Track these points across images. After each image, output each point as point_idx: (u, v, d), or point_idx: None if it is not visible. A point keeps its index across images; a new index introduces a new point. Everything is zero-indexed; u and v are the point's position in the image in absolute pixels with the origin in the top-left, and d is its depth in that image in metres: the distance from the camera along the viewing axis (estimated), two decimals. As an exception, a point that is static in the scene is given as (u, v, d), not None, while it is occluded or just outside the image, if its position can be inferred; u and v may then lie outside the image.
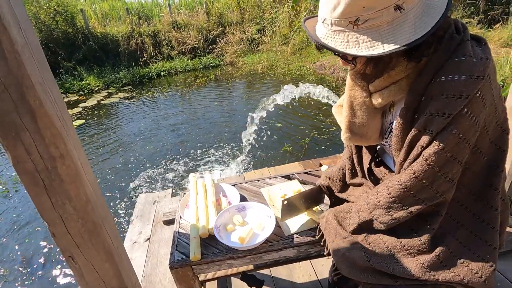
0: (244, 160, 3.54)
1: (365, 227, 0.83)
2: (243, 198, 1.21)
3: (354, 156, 0.99)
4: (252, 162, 3.52)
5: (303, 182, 1.29)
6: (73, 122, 5.66)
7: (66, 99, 6.88)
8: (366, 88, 0.84)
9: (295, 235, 1.00)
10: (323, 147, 3.94)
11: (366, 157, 0.95)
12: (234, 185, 1.30)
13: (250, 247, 0.94)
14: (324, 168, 1.33)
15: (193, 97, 6.49)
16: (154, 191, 2.97)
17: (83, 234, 0.63)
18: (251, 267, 1.21)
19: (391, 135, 0.84)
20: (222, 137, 4.32)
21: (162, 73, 8.42)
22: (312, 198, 1.06)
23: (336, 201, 1.06)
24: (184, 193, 1.26)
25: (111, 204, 2.96)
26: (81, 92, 7.31)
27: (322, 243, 0.93)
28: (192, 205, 1.12)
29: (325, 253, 0.91)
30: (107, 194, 3.18)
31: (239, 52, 9.21)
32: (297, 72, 7.24)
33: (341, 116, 0.94)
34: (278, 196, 1.20)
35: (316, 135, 4.23)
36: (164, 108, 5.87)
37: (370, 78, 0.81)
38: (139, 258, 1.71)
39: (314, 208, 1.07)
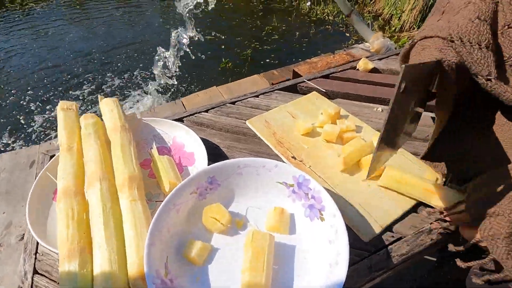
0: (173, 86, 2.59)
1: None
2: (213, 152, 0.49)
3: None
4: (184, 89, 2.63)
5: (326, 95, 0.61)
6: None
7: None
8: None
9: (389, 235, 0.37)
10: (267, 60, 3.26)
11: None
12: (182, 121, 0.56)
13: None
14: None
15: (86, 7, 4.75)
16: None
17: None
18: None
19: None
20: (135, 59, 3.17)
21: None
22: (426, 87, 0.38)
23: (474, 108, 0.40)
24: (51, 156, 0.47)
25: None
26: None
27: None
28: (66, 194, 0.36)
29: None
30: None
31: None
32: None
33: None
34: (292, 137, 0.51)
35: (257, 45, 3.46)
36: (43, 24, 4.15)
37: None
38: (9, 277, 0.92)
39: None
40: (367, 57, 0.69)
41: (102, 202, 0.34)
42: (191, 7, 1.79)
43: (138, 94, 2.58)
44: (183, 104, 1.45)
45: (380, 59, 0.71)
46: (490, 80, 0.32)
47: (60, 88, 2.81)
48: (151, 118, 0.51)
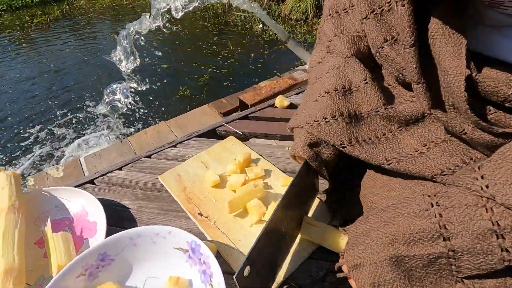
0: (125, 121, 2.50)
1: None
2: (121, 215, 0.47)
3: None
4: (140, 123, 2.56)
5: (244, 137, 0.62)
6: None
7: None
8: None
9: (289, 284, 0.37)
10: (225, 84, 3.31)
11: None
12: (93, 182, 0.54)
13: None
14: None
15: (33, 44, 4.59)
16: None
17: None
18: None
19: None
20: (87, 95, 3.07)
21: (-28, 16, 5.66)
22: (304, 193, 0.41)
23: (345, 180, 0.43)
24: None
25: None
26: None
27: None
28: None
29: None
30: None
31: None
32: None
33: None
34: (202, 190, 0.51)
35: (214, 70, 3.51)
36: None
37: None
38: None
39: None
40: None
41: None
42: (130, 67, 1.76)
43: (87, 135, 2.46)
44: (130, 143, 1.42)
45: (297, 94, 0.74)
46: (344, 147, 0.35)
47: None
48: (52, 188, 0.49)
